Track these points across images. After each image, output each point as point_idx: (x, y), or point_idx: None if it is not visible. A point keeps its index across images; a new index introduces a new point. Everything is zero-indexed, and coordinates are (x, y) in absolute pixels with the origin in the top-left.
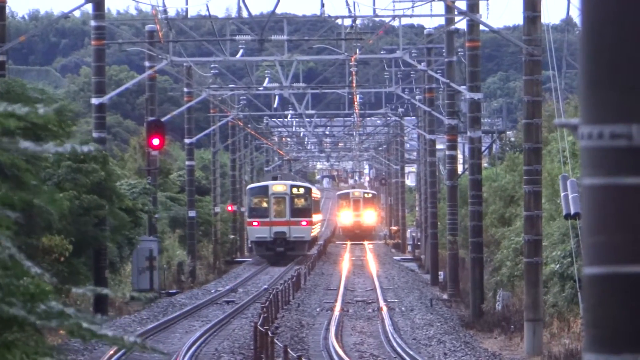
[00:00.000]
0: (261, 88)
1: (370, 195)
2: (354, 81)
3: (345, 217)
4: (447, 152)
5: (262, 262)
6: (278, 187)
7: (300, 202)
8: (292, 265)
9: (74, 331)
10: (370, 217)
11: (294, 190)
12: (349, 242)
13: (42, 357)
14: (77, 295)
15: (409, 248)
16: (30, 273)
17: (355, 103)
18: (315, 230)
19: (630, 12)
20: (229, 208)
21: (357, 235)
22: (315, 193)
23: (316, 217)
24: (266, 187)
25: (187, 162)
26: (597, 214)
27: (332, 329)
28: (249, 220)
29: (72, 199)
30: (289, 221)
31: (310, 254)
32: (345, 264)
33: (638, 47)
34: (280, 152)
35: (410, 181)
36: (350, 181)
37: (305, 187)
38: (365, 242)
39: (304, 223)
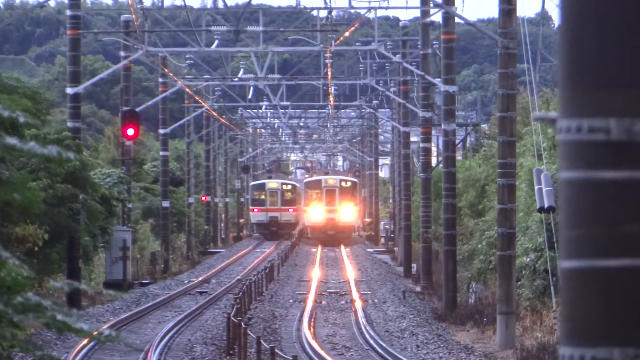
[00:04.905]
0: (236, 79)
1: (349, 184)
2: (329, 73)
3: (315, 213)
4: (421, 145)
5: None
6: (272, 184)
7: (288, 195)
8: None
9: (49, 324)
10: (348, 213)
11: (284, 187)
12: (319, 247)
13: (18, 350)
14: (51, 285)
15: (382, 240)
16: (8, 264)
17: (330, 95)
18: (298, 216)
19: (610, 5)
20: (203, 198)
21: (331, 237)
22: (299, 188)
23: (299, 206)
24: (264, 184)
25: (161, 153)
26: (574, 207)
27: (305, 320)
28: (251, 207)
29: (46, 188)
30: (280, 208)
31: (294, 232)
32: (316, 270)
33: (617, 41)
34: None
35: (383, 173)
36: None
37: (292, 184)
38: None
39: (290, 210)
